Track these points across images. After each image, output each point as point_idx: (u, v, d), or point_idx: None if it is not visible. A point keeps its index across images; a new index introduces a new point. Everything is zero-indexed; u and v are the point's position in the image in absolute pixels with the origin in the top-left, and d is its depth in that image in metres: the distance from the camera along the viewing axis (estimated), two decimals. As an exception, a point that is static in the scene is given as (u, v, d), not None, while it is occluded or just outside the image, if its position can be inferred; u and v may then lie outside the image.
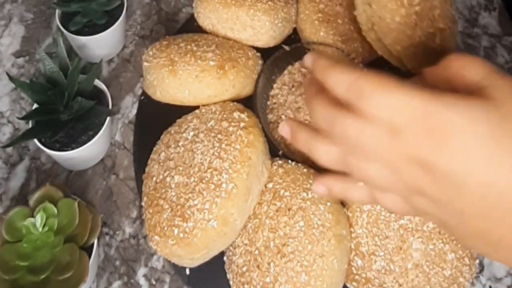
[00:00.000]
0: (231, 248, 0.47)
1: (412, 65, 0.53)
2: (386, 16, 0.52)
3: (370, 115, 0.32)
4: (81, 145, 0.52)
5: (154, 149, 0.52)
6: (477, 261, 0.47)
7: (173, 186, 0.46)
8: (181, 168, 0.47)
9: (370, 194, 0.37)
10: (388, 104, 0.31)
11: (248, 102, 0.53)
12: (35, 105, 0.53)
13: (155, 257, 0.53)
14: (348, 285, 0.47)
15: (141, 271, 0.52)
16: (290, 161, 0.50)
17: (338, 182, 0.40)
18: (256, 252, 0.45)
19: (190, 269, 0.50)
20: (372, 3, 0.52)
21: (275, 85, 0.58)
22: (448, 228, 0.35)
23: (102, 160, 0.58)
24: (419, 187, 0.32)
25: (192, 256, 0.46)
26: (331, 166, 0.37)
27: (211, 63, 0.53)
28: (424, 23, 0.52)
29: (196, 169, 0.46)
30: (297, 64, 0.59)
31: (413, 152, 0.31)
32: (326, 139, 0.36)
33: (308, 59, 0.38)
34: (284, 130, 0.40)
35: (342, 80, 0.33)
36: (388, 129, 0.31)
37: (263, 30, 0.58)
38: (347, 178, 0.38)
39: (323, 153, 0.37)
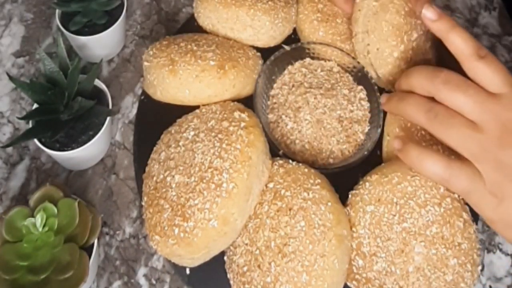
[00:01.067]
0: (231, 247, 0.47)
1: None
2: (385, 50, 0.53)
3: (480, 74, 0.43)
4: (81, 145, 0.52)
5: (155, 148, 0.52)
6: (480, 267, 0.47)
7: (173, 185, 0.46)
8: (181, 168, 0.47)
9: (445, 166, 0.43)
10: (501, 72, 0.43)
11: (248, 102, 0.53)
12: (35, 105, 0.53)
13: (155, 257, 0.53)
14: (348, 284, 0.47)
15: (141, 271, 0.52)
16: (290, 161, 0.49)
17: (415, 146, 0.45)
18: (257, 252, 0.45)
19: (190, 269, 0.50)
20: (370, 33, 0.53)
21: (275, 85, 0.58)
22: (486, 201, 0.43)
23: (102, 160, 0.58)
24: (498, 148, 0.41)
25: (193, 256, 0.46)
26: (417, 112, 0.44)
27: (211, 63, 0.53)
28: (417, 57, 0.54)
29: (197, 168, 0.46)
30: (297, 64, 0.60)
31: (504, 115, 0.41)
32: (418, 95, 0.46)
33: (431, 10, 0.46)
34: (383, 98, 0.52)
35: (468, 42, 0.44)
36: (489, 92, 0.42)
37: (263, 30, 0.58)
38: (426, 147, 0.46)
39: (413, 102, 0.45)
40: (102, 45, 0.62)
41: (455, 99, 0.42)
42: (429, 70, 0.45)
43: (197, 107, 0.53)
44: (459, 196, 0.47)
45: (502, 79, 0.42)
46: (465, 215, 0.47)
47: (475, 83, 0.43)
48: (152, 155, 0.52)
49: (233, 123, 0.48)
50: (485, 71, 0.42)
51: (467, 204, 0.47)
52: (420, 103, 0.44)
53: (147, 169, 0.51)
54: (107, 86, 0.56)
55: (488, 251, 0.54)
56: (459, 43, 0.44)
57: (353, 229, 0.47)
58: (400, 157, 0.46)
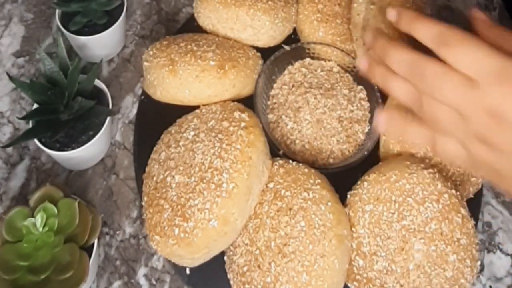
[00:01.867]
0: (231, 247, 0.47)
1: None
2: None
3: (452, 63, 0.36)
4: (81, 145, 0.52)
5: (155, 149, 0.52)
6: (479, 263, 0.47)
7: (173, 185, 0.46)
8: (181, 168, 0.47)
9: (430, 137, 0.40)
10: (471, 56, 0.35)
11: (248, 102, 0.53)
12: (35, 105, 0.53)
13: (155, 257, 0.53)
14: (349, 284, 0.47)
15: (141, 271, 0.52)
16: (291, 161, 0.50)
17: (400, 117, 0.43)
18: (257, 252, 0.45)
19: (191, 269, 0.50)
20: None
21: (275, 85, 0.58)
22: (499, 179, 0.39)
23: (102, 160, 0.58)
24: (484, 135, 0.36)
25: (193, 256, 0.46)
26: (403, 99, 0.41)
27: (212, 63, 0.53)
28: None
29: (197, 168, 0.46)
30: (297, 64, 0.60)
31: (487, 102, 0.35)
32: (402, 78, 0.40)
33: (391, 11, 0.42)
34: (362, 62, 0.44)
35: (431, 29, 0.38)
36: (467, 79, 0.36)
37: (263, 30, 0.58)
38: (410, 117, 0.42)
39: (398, 88, 0.41)
40: (102, 45, 0.62)
41: (438, 91, 0.38)
42: (411, 57, 0.40)
43: (197, 107, 0.53)
44: (456, 192, 0.47)
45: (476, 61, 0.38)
46: (463, 211, 0.47)
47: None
48: (152, 155, 0.52)
49: (233, 123, 0.48)
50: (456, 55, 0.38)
51: (464, 200, 0.47)
52: (407, 90, 0.41)
53: (147, 169, 0.51)
54: (107, 86, 0.56)
55: (488, 251, 0.54)
56: (423, 32, 0.39)
57: (353, 229, 0.47)
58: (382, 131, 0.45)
